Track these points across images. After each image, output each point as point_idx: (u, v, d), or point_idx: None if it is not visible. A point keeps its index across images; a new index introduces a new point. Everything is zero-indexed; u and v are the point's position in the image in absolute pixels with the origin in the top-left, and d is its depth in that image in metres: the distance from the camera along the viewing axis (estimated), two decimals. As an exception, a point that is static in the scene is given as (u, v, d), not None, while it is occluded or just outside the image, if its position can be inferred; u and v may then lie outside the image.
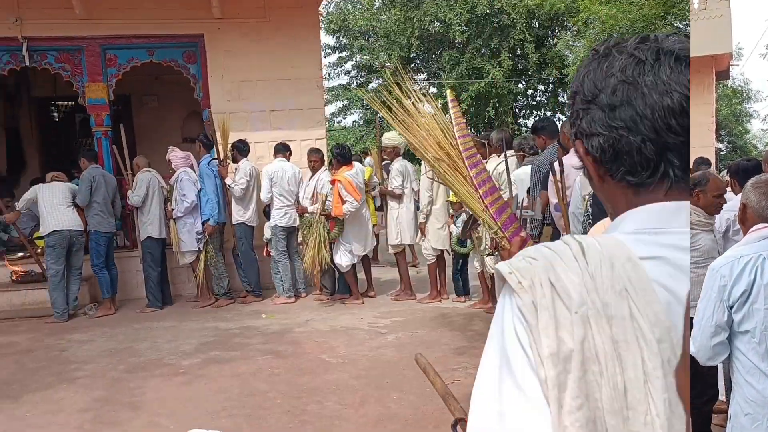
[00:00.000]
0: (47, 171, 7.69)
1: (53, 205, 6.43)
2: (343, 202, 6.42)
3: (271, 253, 7.04)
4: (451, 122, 2.29)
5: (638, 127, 0.78)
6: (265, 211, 7.07)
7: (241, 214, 6.95)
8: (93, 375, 4.78)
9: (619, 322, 0.69)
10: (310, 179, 6.87)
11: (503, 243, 2.02)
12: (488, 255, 6.08)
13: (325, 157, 7.20)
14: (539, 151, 5.15)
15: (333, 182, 6.56)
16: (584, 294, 0.69)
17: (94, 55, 7.27)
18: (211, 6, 7.16)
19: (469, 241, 6.27)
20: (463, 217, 6.24)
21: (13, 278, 6.93)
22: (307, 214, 6.71)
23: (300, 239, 6.95)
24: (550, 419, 0.68)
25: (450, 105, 2.58)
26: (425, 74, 20.29)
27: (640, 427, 0.67)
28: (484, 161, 3.47)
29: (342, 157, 6.69)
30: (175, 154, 6.86)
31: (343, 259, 6.61)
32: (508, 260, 0.77)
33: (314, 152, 6.89)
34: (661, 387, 0.68)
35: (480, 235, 6.14)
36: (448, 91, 2.95)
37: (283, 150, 7.05)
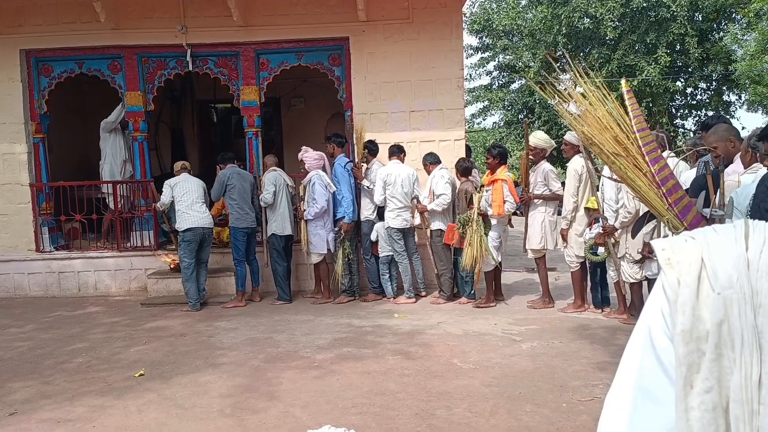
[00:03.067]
0: (205, 167, 8.32)
1: (189, 203, 6.85)
2: (504, 202, 6.45)
3: (380, 254, 7.09)
4: (628, 116, 2.09)
5: None
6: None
7: (370, 212, 7.07)
8: (236, 362, 5.04)
9: (766, 311, 0.65)
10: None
11: None
12: (636, 262, 5.66)
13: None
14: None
15: (494, 182, 6.55)
16: (733, 277, 0.66)
17: (248, 59, 7.72)
18: (357, 9, 7.32)
19: (603, 248, 5.87)
20: (599, 225, 5.87)
21: (171, 267, 7.54)
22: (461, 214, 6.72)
23: (416, 239, 7.09)
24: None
25: (626, 97, 2.37)
26: (572, 69, 19.47)
27: None
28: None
29: (502, 156, 6.70)
30: (309, 155, 7.05)
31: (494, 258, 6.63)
32: (667, 238, 0.76)
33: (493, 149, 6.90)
34: None
35: (617, 241, 5.74)
36: (623, 82, 2.71)
37: (397, 152, 7.09)
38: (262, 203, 7.08)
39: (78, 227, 8.20)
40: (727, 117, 18.87)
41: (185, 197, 6.86)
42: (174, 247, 7.57)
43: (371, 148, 7.14)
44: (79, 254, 7.89)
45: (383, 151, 7.19)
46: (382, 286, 7.15)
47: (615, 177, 2.71)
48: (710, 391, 0.66)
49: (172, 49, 7.72)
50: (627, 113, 3.13)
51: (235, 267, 7.11)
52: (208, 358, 5.16)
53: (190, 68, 7.78)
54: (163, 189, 7.04)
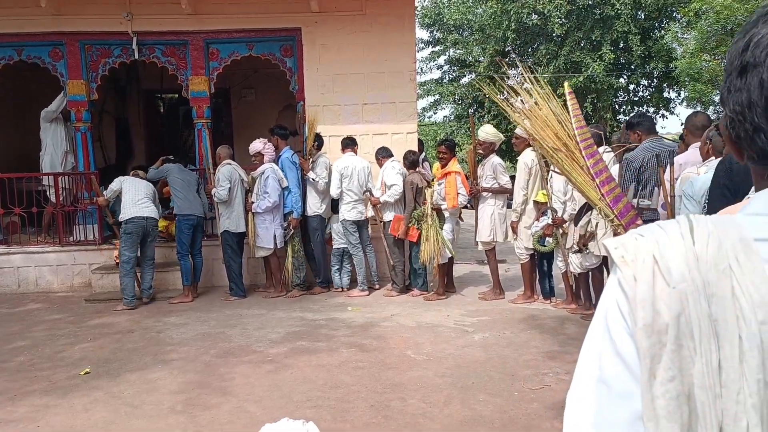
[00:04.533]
0: (152, 159, 8.11)
1: (136, 198, 6.69)
2: (458, 194, 6.62)
3: (333, 246, 7.12)
4: (569, 114, 2.19)
5: (749, 114, 0.75)
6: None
7: (318, 207, 7.03)
8: (186, 358, 4.95)
9: (719, 300, 0.69)
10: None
11: (619, 231, 1.94)
12: (575, 252, 5.84)
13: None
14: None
15: (447, 175, 6.66)
16: (685, 271, 0.70)
17: (198, 49, 7.55)
18: (309, 0, 7.25)
19: (550, 239, 6.04)
20: (547, 217, 6.03)
21: (116, 262, 7.32)
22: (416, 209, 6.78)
23: (370, 232, 7.15)
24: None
25: (568, 98, 2.48)
26: (520, 69, 19.81)
27: (732, 405, 0.68)
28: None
29: (451, 149, 6.84)
30: (269, 147, 6.97)
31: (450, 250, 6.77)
32: (617, 237, 0.79)
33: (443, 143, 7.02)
34: (757, 367, 0.67)
35: (565, 232, 5.92)
36: (565, 84, 2.86)
37: (351, 144, 7.09)
38: (216, 199, 6.93)
39: (17, 221, 7.86)
40: (664, 114, 19.56)
41: (131, 191, 6.69)
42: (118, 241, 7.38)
43: (319, 142, 7.13)
44: (18, 249, 7.57)
45: (335, 143, 7.16)
46: (329, 279, 7.14)
47: (555, 169, 2.86)
48: (673, 380, 0.69)
49: (117, 36, 7.47)
50: (568, 112, 3.26)
51: (179, 261, 6.93)
52: (157, 355, 5.05)
53: (136, 57, 7.55)
54: (113, 181, 6.86)
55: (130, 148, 11.28)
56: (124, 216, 6.65)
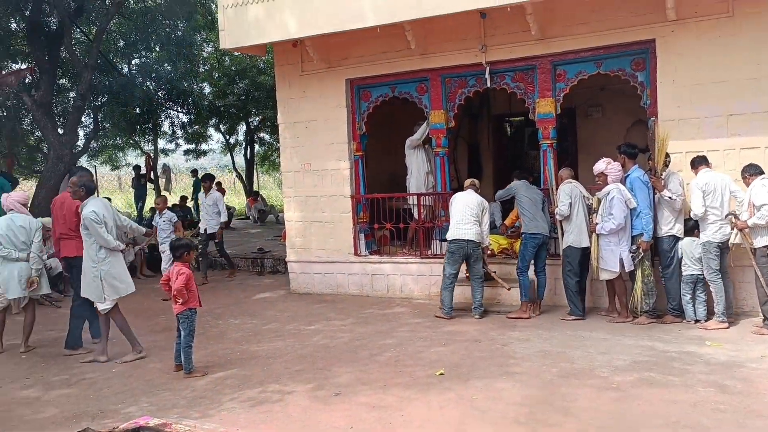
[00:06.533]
0: (499, 180, 8.59)
1: (461, 219, 7.15)
2: None
3: (683, 272, 6.50)
4: None
5: None
6: None
7: (671, 226, 6.54)
8: (529, 373, 5.08)
9: None
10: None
11: None
12: None
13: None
14: None
15: None
16: None
17: (545, 72, 7.74)
18: (666, 8, 6.81)
19: None
20: None
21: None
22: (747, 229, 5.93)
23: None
24: None
25: None
26: None
27: None
28: None
29: None
30: (613, 167, 6.75)
31: None
32: None
33: None
34: None
35: None
36: None
37: (703, 162, 6.43)
38: (557, 216, 7.02)
39: (387, 235, 9.14)
40: None
41: (459, 213, 7.21)
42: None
43: (667, 159, 6.69)
44: (388, 259, 8.77)
45: (684, 160, 6.62)
46: (682, 308, 6.52)
47: None
48: None
49: (472, 68, 8.12)
50: None
51: (518, 276, 7.15)
52: (502, 366, 5.30)
53: (488, 85, 8.09)
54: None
55: (480, 169, 12.09)
56: (449, 235, 7.29)
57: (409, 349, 5.99)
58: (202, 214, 10.87)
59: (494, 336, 6.32)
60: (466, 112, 11.24)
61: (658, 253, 6.73)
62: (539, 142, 7.94)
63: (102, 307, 6.10)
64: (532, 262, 7.24)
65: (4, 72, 12.52)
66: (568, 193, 6.93)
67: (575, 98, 9.49)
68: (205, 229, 10.55)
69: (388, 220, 8.79)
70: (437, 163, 8.63)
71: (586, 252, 6.93)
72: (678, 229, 6.58)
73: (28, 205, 7.48)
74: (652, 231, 6.54)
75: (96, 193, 6.46)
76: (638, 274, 6.58)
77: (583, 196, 7.00)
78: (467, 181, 7.74)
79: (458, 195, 7.47)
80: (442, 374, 5.14)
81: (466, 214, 7.20)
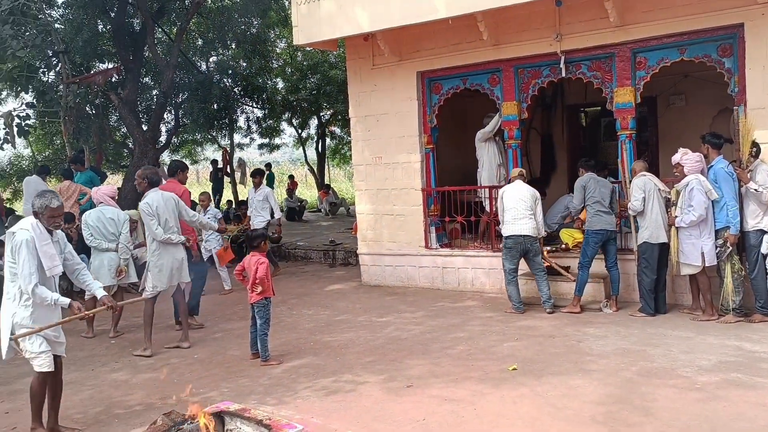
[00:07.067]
0: (574, 172, 8.36)
1: (517, 214, 7.05)
2: None
3: None
4: None
5: None
6: None
7: (758, 220, 6.22)
8: (606, 371, 4.95)
9: None
10: None
11: None
12: None
13: None
14: None
15: None
16: None
17: (624, 60, 7.46)
18: (754, -10, 6.44)
19: None
20: None
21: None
22: None
23: None
24: None
25: None
26: None
27: None
28: None
29: None
30: (689, 158, 6.45)
31: None
32: None
33: None
34: None
35: None
36: None
37: None
38: (630, 211, 6.78)
39: (458, 228, 9.08)
40: None
41: (513, 209, 7.09)
42: (549, 249, 8.01)
43: (756, 149, 6.33)
44: (459, 252, 8.73)
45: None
46: None
47: None
48: None
49: (546, 57, 7.93)
50: None
51: (578, 270, 7.05)
52: (577, 362, 5.19)
53: (563, 75, 7.88)
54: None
55: (554, 161, 11.82)
56: (504, 231, 7.21)
57: (481, 343, 5.96)
58: (251, 209, 10.30)
59: (569, 332, 6.18)
60: (540, 102, 11.00)
61: (744, 249, 6.40)
62: (617, 132, 7.68)
63: (145, 294, 6.38)
64: (604, 257, 7.08)
65: (92, 72, 13.21)
66: (641, 186, 6.67)
67: (656, 87, 9.12)
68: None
69: (459, 213, 8.75)
70: (509, 156, 8.50)
71: (663, 248, 6.66)
72: (766, 222, 6.23)
73: (116, 198, 7.88)
74: (739, 224, 6.22)
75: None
76: (727, 269, 6.27)
77: (659, 190, 6.72)
78: (514, 171, 7.61)
79: (508, 188, 7.33)
80: (515, 369, 5.08)
81: (521, 207, 7.10)
